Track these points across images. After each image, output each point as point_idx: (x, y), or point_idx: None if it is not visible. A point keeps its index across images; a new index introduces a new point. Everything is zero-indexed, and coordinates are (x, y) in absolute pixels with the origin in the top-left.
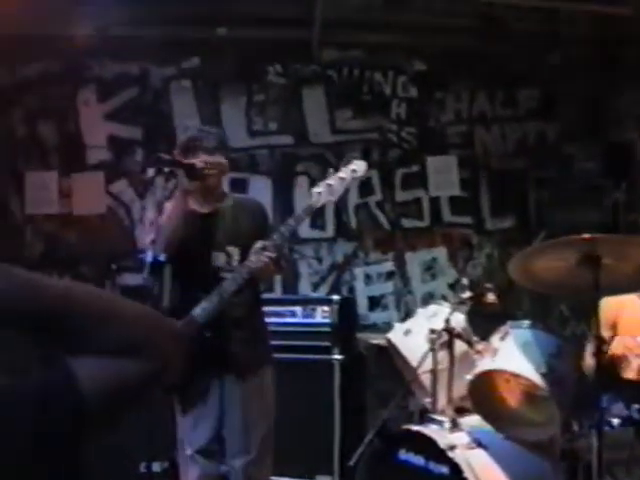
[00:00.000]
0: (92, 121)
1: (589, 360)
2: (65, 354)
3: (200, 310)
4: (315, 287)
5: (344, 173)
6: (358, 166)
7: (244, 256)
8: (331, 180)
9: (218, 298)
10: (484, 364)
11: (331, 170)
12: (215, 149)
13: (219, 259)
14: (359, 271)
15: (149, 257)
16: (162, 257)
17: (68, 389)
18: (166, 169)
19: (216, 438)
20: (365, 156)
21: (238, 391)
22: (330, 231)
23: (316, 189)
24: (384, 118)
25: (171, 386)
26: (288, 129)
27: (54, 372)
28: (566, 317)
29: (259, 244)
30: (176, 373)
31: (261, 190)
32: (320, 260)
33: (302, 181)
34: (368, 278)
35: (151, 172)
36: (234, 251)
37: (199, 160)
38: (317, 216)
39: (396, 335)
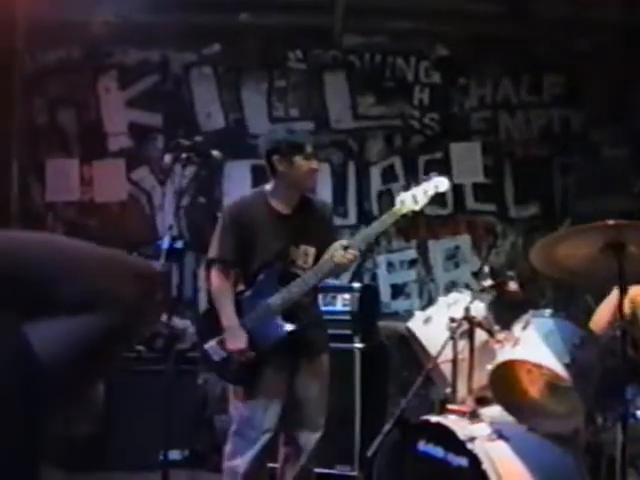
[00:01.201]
0: (113, 108)
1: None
2: (18, 317)
3: (279, 300)
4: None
5: (427, 187)
6: (440, 183)
7: (318, 254)
8: (415, 191)
9: (298, 289)
10: (505, 354)
11: (424, 177)
12: (314, 154)
13: (296, 256)
14: (382, 259)
15: (165, 244)
16: (179, 244)
17: (19, 357)
18: (183, 155)
19: (282, 419)
20: (387, 142)
21: (310, 373)
22: (352, 218)
23: (400, 196)
24: (407, 104)
25: (242, 377)
26: (309, 115)
27: (2, 339)
28: (590, 307)
29: (343, 242)
30: (148, 324)
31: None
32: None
33: (323, 168)
34: (391, 266)
35: (168, 158)
36: (309, 250)
37: (305, 165)
38: (339, 203)
39: (416, 323)
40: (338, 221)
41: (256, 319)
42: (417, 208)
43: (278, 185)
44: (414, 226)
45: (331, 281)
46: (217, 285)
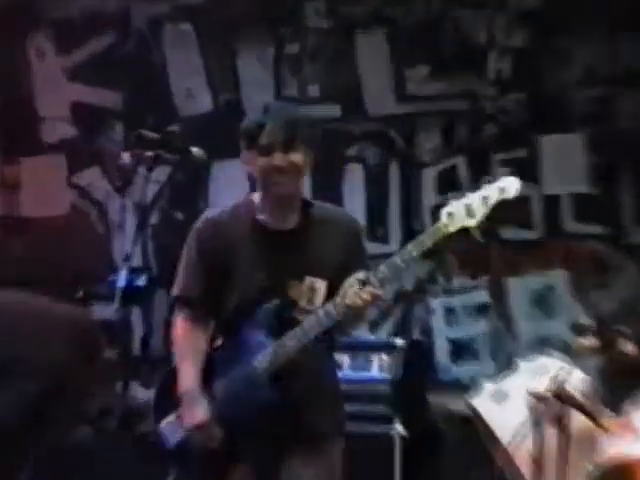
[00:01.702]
0: (49, 81)
1: None
2: None
3: (267, 357)
4: (372, 326)
5: (489, 191)
6: (508, 184)
7: (331, 290)
8: (470, 199)
9: (295, 343)
10: (619, 449)
11: (487, 179)
12: (286, 141)
13: (295, 293)
14: (437, 303)
15: (122, 280)
16: (142, 279)
17: None
18: (150, 152)
19: None
20: (446, 135)
21: (307, 468)
22: (395, 243)
23: (448, 207)
24: (476, 78)
25: (206, 471)
26: (334, 95)
27: None
28: None
29: (360, 275)
30: (84, 388)
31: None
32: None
33: (354, 171)
34: (450, 313)
35: (128, 157)
36: (317, 284)
37: (258, 164)
38: (376, 221)
39: (484, 401)
40: (374, 247)
41: (232, 385)
42: (473, 223)
43: (260, 194)
44: (484, 256)
45: (363, 334)
46: (178, 333)
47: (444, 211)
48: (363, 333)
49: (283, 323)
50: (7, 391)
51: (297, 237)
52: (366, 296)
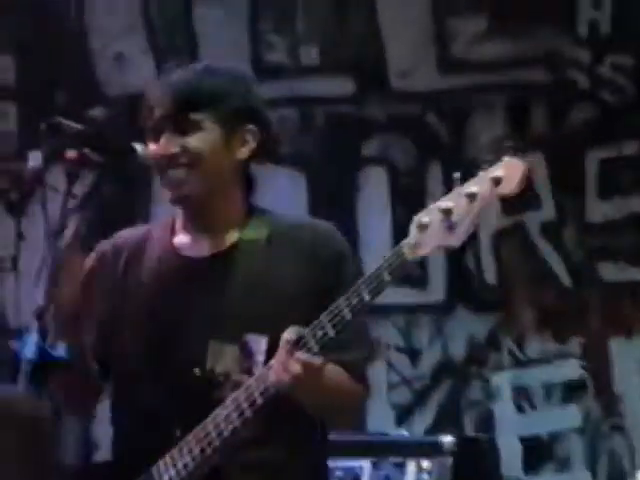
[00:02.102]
0: None
1: None
2: None
3: (174, 467)
4: (404, 416)
5: (476, 185)
6: (508, 169)
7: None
8: (449, 201)
9: (207, 445)
10: None
11: (456, 175)
12: (178, 117)
13: (222, 357)
14: (503, 379)
15: (30, 348)
16: (60, 350)
17: None
18: (70, 154)
19: None
20: (516, 121)
21: None
22: (439, 290)
23: (419, 216)
24: (560, 34)
25: None
26: (343, 62)
27: None
28: None
29: (292, 332)
30: None
31: (289, 196)
32: (416, 354)
33: (375, 177)
34: (523, 396)
35: (35, 160)
36: (257, 341)
37: (160, 142)
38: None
39: None
40: (403, 294)
41: None
42: (455, 243)
43: None
44: (577, 306)
45: (396, 431)
46: None
47: (413, 222)
48: (391, 428)
49: (203, 410)
50: None
51: (222, 267)
52: (294, 368)
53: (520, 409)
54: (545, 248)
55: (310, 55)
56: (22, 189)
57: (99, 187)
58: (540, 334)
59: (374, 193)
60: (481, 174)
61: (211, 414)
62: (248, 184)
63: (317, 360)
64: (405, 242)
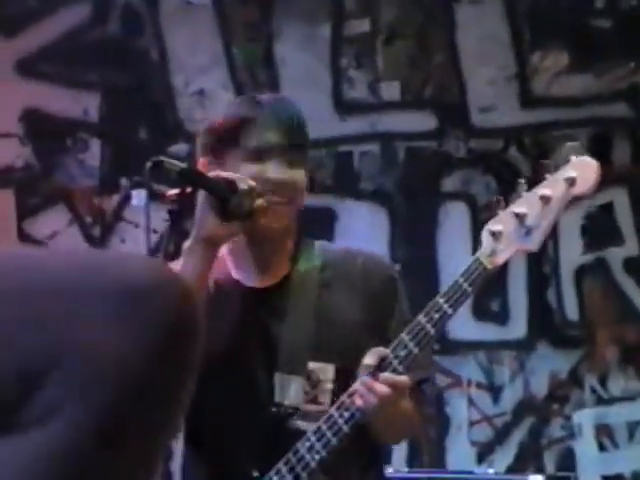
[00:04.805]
0: None
1: None
2: None
3: None
4: (485, 454)
5: (550, 187)
6: (580, 169)
7: (344, 381)
8: (522, 205)
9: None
10: None
11: (521, 181)
12: (290, 148)
13: (288, 389)
14: (585, 417)
15: None
16: None
17: None
18: (172, 192)
19: None
20: (599, 156)
21: None
22: (521, 326)
23: (490, 224)
24: None
25: None
26: (425, 97)
27: None
28: None
29: (373, 355)
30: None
31: (370, 231)
32: (497, 391)
33: (456, 212)
34: (606, 434)
35: (139, 198)
36: (323, 370)
37: (243, 174)
38: (487, 289)
39: None
40: (485, 330)
41: None
42: (533, 247)
43: None
44: None
45: (477, 469)
46: None
47: (486, 230)
48: (471, 466)
49: (278, 445)
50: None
51: (280, 298)
52: (382, 389)
53: (602, 447)
54: (627, 284)
55: (391, 91)
56: (104, 223)
57: (178, 224)
58: (623, 371)
59: (455, 228)
60: (551, 176)
61: (291, 448)
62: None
63: (404, 379)
64: (481, 252)
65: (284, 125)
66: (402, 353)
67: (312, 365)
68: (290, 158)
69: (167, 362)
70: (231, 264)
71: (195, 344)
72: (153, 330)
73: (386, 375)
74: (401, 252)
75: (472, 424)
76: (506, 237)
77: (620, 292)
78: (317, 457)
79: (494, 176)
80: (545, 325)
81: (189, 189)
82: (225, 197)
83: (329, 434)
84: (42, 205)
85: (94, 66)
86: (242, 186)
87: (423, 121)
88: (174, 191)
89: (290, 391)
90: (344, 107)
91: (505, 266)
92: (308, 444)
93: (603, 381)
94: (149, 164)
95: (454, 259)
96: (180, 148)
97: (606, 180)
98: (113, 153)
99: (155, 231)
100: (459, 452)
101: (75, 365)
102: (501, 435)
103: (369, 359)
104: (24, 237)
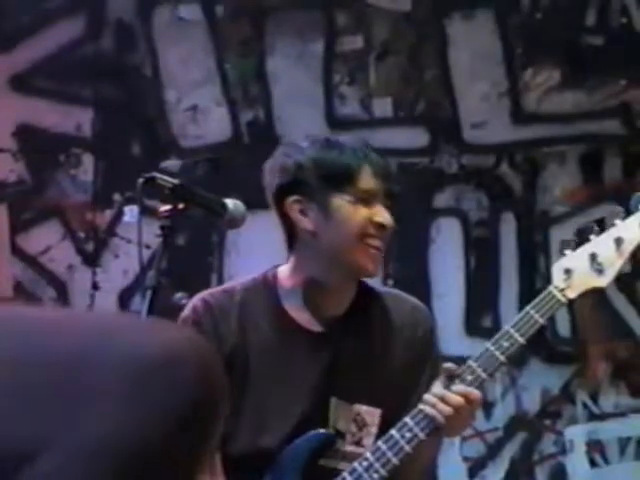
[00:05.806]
0: None
1: None
2: None
3: None
4: (476, 469)
5: (624, 229)
6: (627, 231)
7: (386, 426)
8: (596, 245)
9: None
10: None
11: (592, 235)
12: (391, 195)
13: (341, 422)
14: (577, 433)
15: None
16: None
17: None
18: (164, 208)
19: None
20: (591, 173)
21: None
22: None
23: (563, 261)
24: (634, 84)
25: None
26: (417, 114)
27: None
28: None
29: (448, 369)
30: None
31: None
32: (489, 406)
33: (447, 228)
34: (598, 450)
35: (131, 214)
36: (371, 414)
37: (352, 217)
38: (479, 305)
39: None
40: (477, 347)
41: None
42: (604, 283)
43: (301, 266)
44: None
45: None
46: None
47: (557, 267)
48: (458, 478)
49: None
50: None
51: (334, 341)
52: (454, 399)
53: (594, 463)
54: (619, 300)
55: (383, 107)
56: (97, 239)
57: (172, 238)
58: (615, 388)
59: (447, 244)
60: (621, 222)
61: (346, 469)
62: None
63: (475, 392)
64: (553, 286)
65: (388, 172)
66: (469, 378)
67: (360, 408)
68: (389, 204)
69: (185, 440)
70: (289, 305)
71: (216, 415)
72: (171, 409)
73: (458, 386)
74: (393, 267)
75: (464, 439)
76: (578, 274)
77: (612, 308)
78: (376, 476)
79: (486, 192)
80: (537, 341)
81: (181, 205)
82: (218, 213)
83: (390, 454)
84: (35, 220)
85: (87, 81)
86: (229, 205)
87: (415, 137)
88: (166, 207)
89: (340, 418)
90: (336, 123)
91: (497, 282)
92: (366, 464)
93: (595, 397)
94: (141, 180)
95: (446, 275)
96: (173, 164)
97: (598, 196)
98: (106, 168)
99: (148, 247)
100: (451, 467)
101: (71, 446)
102: (493, 450)
103: (448, 369)
104: (17, 252)
